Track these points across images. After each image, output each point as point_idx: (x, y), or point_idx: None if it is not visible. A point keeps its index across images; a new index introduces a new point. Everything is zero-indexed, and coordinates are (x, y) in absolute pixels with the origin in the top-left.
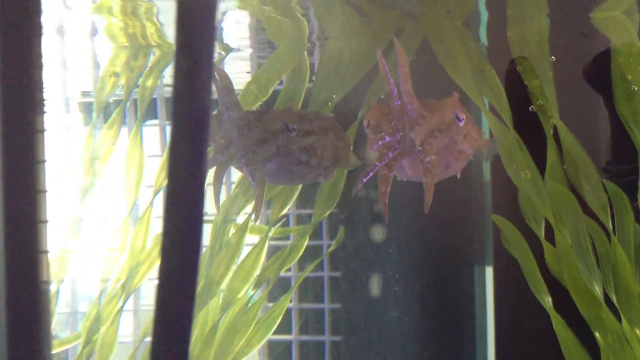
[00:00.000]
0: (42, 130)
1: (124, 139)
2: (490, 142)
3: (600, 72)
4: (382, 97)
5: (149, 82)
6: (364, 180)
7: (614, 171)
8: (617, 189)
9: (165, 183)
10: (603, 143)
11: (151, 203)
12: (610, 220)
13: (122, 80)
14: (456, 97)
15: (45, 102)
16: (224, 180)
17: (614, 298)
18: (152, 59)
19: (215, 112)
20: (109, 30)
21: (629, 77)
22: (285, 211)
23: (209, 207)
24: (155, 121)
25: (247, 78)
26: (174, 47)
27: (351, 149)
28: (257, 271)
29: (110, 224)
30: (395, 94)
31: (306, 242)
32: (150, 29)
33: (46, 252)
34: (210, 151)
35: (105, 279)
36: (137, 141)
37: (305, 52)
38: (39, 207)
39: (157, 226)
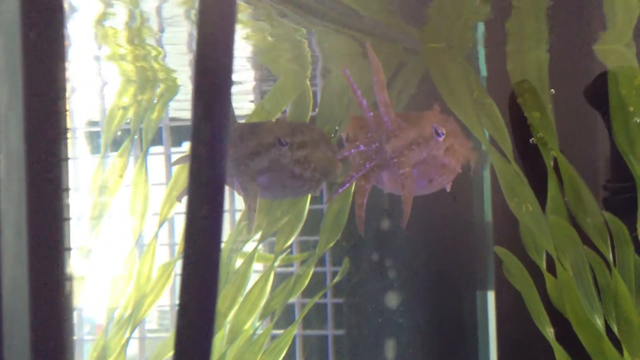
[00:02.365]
0: (66, 159)
1: (131, 167)
2: (480, 154)
3: (600, 92)
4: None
5: (154, 115)
6: (340, 190)
7: (614, 188)
8: (617, 221)
9: (170, 214)
10: (601, 163)
11: (156, 234)
12: (610, 252)
13: (130, 114)
14: (437, 111)
15: (68, 130)
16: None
17: (615, 329)
18: (157, 91)
19: None
20: (117, 63)
21: (631, 108)
22: (290, 242)
23: None
24: (161, 148)
25: (251, 106)
26: (193, 112)
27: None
28: (263, 302)
29: (117, 253)
30: (366, 106)
31: (311, 272)
32: (156, 66)
33: (71, 279)
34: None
35: (113, 309)
36: (142, 172)
37: (308, 82)
38: (63, 235)
39: (162, 255)
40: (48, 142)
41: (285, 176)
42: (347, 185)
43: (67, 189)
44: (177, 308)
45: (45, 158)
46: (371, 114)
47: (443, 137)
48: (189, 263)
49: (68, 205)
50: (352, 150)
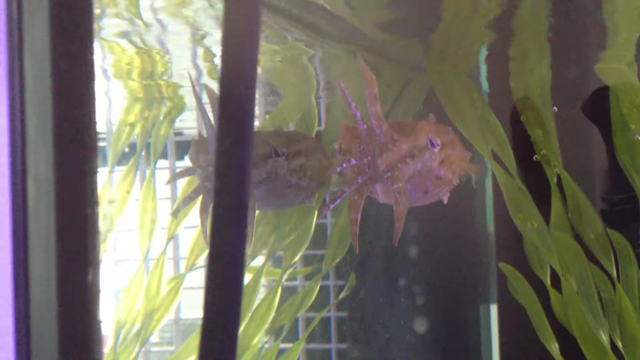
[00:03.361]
0: (95, 172)
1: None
2: (480, 168)
3: (598, 106)
4: None
5: (162, 131)
6: (332, 206)
7: (612, 200)
8: (621, 237)
9: (177, 229)
10: (597, 176)
11: (164, 250)
12: (614, 268)
13: (137, 130)
14: (432, 120)
15: (97, 145)
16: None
17: (619, 345)
18: (164, 109)
19: (196, 137)
20: (124, 82)
21: (632, 126)
22: (298, 257)
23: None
24: (165, 162)
25: (255, 122)
26: (220, 140)
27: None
28: (271, 317)
29: (124, 267)
30: (360, 118)
31: (318, 287)
32: (164, 87)
33: (99, 291)
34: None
35: (122, 323)
36: (150, 188)
37: (313, 99)
38: (92, 247)
39: (169, 270)
40: (76, 169)
41: (281, 186)
42: (339, 200)
43: (96, 202)
44: (200, 330)
45: (73, 185)
46: (365, 126)
47: (438, 147)
48: (213, 287)
49: (96, 222)
50: (344, 165)
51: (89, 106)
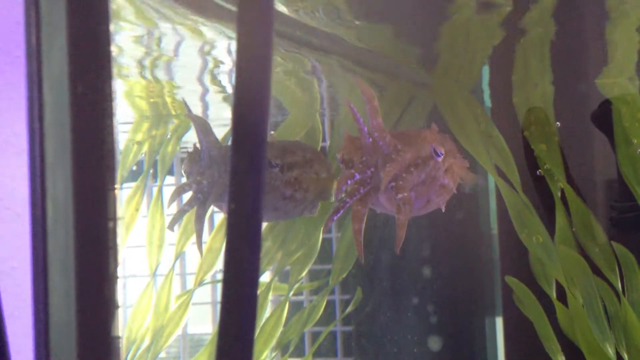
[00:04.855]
0: (112, 190)
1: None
2: (477, 177)
3: (606, 116)
4: None
5: (169, 149)
6: (334, 218)
7: (621, 207)
8: (626, 251)
9: (186, 246)
10: (599, 188)
11: (173, 267)
12: (619, 281)
13: (145, 148)
14: (435, 129)
15: (115, 162)
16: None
17: (626, 358)
18: (171, 126)
19: (191, 150)
20: (131, 100)
21: (635, 140)
22: (304, 272)
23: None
24: (172, 179)
25: None
26: (235, 165)
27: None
28: (279, 332)
29: (133, 284)
30: (366, 132)
31: (325, 302)
32: (169, 101)
33: (117, 306)
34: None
35: (131, 339)
36: (158, 205)
37: (318, 116)
38: (110, 263)
39: (177, 285)
40: (94, 188)
41: (276, 198)
42: (342, 212)
43: (115, 219)
44: (217, 348)
45: (91, 204)
46: (370, 139)
47: (442, 157)
48: (229, 305)
49: (115, 239)
50: (349, 182)
51: (107, 127)
